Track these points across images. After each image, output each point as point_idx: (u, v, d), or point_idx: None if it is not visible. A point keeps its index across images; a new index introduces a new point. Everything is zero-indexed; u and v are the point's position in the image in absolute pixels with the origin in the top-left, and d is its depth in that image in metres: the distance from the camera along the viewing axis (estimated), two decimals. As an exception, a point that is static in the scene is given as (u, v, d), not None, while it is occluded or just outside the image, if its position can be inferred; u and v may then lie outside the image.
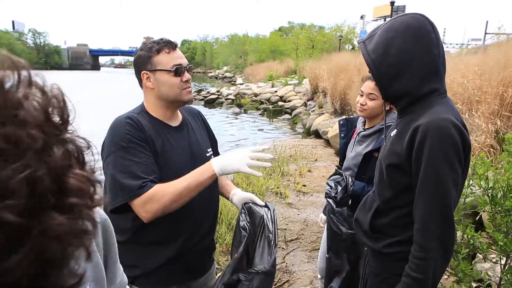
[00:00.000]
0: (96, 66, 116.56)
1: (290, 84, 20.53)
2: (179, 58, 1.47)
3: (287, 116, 15.55)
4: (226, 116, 16.23)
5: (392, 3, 17.89)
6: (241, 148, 1.47)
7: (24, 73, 0.38)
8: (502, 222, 1.90)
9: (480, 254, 2.09)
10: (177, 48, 1.50)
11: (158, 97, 1.47)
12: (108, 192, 1.36)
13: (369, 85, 2.02)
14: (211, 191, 1.57)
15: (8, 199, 0.32)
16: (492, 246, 2.06)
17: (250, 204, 1.55)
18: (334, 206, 2.07)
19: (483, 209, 2.00)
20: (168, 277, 1.49)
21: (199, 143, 1.59)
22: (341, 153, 2.27)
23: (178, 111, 1.58)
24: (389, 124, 1.84)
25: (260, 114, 16.71)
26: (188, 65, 1.50)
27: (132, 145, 1.36)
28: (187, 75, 1.48)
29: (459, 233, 2.08)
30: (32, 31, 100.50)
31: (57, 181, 0.36)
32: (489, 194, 1.93)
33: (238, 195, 1.61)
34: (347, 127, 2.26)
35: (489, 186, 1.91)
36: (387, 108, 2.03)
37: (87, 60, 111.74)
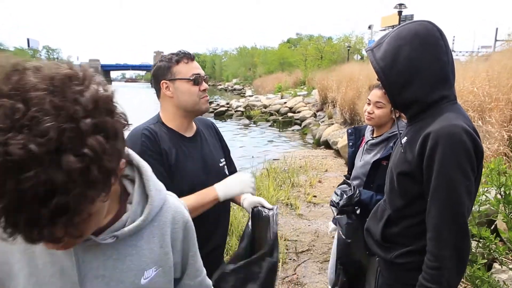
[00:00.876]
0: (107, 81, 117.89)
1: (299, 95, 20.56)
2: (197, 68, 1.54)
3: (296, 127, 15.54)
4: (236, 128, 16.28)
5: (400, 13, 17.89)
6: (242, 172, 1.57)
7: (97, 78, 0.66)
8: None
9: (497, 260, 2.04)
10: (194, 60, 1.56)
11: (176, 106, 1.52)
12: None
13: (376, 94, 2.02)
14: (224, 204, 1.60)
15: (42, 138, 0.52)
16: (509, 255, 2.01)
17: (259, 207, 1.57)
18: (335, 214, 2.06)
19: (497, 211, 1.95)
20: None
21: (212, 154, 1.64)
22: (350, 162, 2.26)
23: (193, 121, 1.62)
24: (397, 132, 1.83)
25: (269, 126, 16.74)
26: (205, 75, 1.56)
27: (145, 157, 1.38)
28: (204, 85, 1.54)
29: (474, 243, 2.04)
30: (46, 48, 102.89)
31: (79, 136, 0.55)
32: (502, 192, 1.89)
33: (248, 200, 1.64)
34: (355, 136, 2.25)
35: (501, 183, 1.87)
36: (396, 115, 2.02)
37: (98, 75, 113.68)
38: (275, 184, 6.19)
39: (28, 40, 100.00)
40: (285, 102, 19.70)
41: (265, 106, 20.14)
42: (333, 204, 2.01)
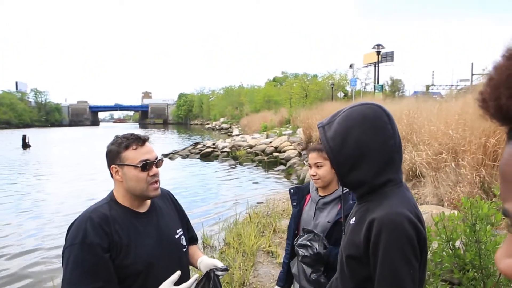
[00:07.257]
0: (95, 122, 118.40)
1: (284, 134, 20.81)
2: (146, 153, 1.55)
3: (282, 167, 15.58)
4: (222, 169, 16.25)
5: (378, 53, 18.64)
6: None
7: None
8: (469, 278, 1.88)
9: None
10: (146, 143, 1.58)
11: (126, 189, 1.55)
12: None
13: (313, 156, 2.09)
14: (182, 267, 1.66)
15: None
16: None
17: (213, 269, 1.67)
18: (309, 274, 2.04)
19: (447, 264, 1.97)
20: None
21: (168, 227, 1.67)
22: (295, 221, 2.26)
23: None
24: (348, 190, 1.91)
25: (255, 166, 16.77)
26: (157, 159, 1.58)
27: (84, 247, 1.42)
28: (154, 170, 1.56)
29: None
30: (34, 91, 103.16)
31: None
32: (451, 247, 1.92)
33: (204, 262, 1.75)
34: (299, 195, 2.29)
35: (448, 237, 1.90)
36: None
37: (86, 116, 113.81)
38: (257, 230, 6.15)
39: (16, 83, 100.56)
40: (270, 142, 19.88)
41: (251, 146, 20.25)
42: (304, 261, 2.01)
